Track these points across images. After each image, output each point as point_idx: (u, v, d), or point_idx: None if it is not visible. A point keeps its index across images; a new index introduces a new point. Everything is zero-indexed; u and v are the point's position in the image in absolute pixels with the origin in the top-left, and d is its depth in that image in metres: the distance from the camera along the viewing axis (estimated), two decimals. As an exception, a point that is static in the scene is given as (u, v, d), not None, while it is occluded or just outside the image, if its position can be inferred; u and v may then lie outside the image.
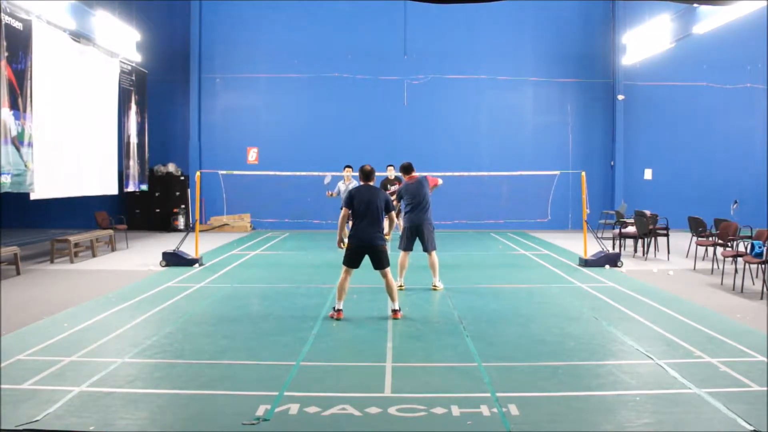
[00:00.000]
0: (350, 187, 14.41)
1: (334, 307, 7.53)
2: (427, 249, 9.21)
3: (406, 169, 9.28)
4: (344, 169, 13.90)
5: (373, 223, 7.34)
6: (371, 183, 7.65)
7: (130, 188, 16.49)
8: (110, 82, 15.08)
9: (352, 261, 7.42)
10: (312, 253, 13.77)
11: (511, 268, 11.81)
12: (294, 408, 4.63)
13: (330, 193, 14.24)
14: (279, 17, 19.29)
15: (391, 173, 14.54)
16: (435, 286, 9.36)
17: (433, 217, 9.40)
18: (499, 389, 5.01)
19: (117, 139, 15.47)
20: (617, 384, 5.20)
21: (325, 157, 18.43)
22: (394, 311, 7.52)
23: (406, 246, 9.17)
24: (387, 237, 7.56)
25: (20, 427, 4.27)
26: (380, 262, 7.44)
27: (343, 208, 7.56)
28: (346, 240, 7.69)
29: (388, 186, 14.34)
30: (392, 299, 7.54)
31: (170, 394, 4.96)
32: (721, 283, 9.89)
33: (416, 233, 9.12)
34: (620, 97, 19.24)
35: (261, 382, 5.25)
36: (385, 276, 7.49)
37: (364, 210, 7.32)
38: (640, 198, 18.89)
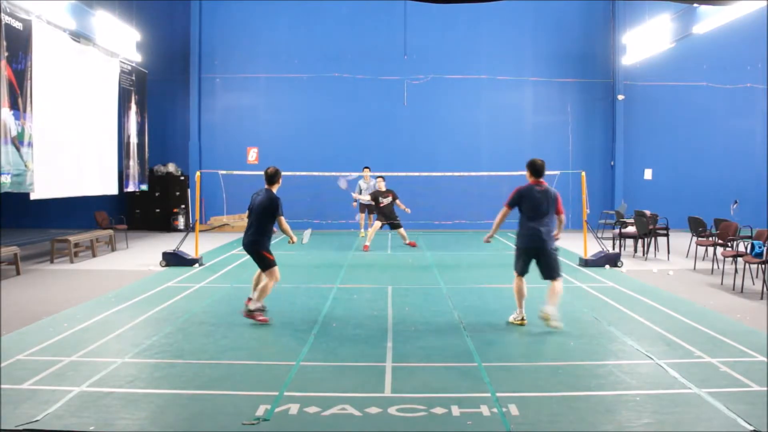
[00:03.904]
0: (371, 185, 14.74)
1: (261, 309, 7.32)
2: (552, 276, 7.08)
3: (539, 170, 7.12)
4: (363, 170, 15.46)
5: (250, 226, 7.40)
6: (267, 186, 7.49)
7: (130, 188, 16.48)
8: (110, 82, 15.08)
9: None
10: (311, 252, 13.75)
11: (512, 268, 11.78)
12: (294, 408, 4.63)
13: (355, 196, 15.48)
14: (279, 17, 19.29)
15: (381, 185, 14.15)
16: (549, 317, 6.82)
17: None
18: (499, 389, 5.01)
19: (117, 139, 15.46)
20: (617, 384, 5.20)
21: (325, 157, 18.47)
22: (250, 311, 7.26)
23: (523, 269, 7.17)
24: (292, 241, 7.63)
25: (20, 427, 4.27)
26: (258, 264, 7.45)
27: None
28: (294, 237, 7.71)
29: (380, 198, 13.96)
30: (256, 297, 7.35)
31: (170, 394, 4.97)
32: (721, 283, 9.89)
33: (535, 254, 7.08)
34: (620, 97, 19.23)
35: (261, 382, 5.25)
36: (258, 277, 7.53)
37: (250, 214, 7.45)
38: (640, 198, 18.88)
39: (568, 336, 6.71)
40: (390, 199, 14.00)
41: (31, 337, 6.58)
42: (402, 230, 14.24)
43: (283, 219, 7.42)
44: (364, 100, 19.25)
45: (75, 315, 7.60)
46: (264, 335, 6.84)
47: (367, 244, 14.04)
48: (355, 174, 15.67)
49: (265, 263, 7.38)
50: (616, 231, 13.84)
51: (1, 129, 9.86)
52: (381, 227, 14.23)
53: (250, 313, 7.27)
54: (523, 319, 7.18)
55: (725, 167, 19.48)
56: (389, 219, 14.12)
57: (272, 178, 7.49)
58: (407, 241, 14.33)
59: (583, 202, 12.38)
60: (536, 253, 7.04)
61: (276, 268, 7.40)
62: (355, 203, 15.93)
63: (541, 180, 7.10)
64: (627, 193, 19.34)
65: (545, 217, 6.98)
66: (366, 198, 14.72)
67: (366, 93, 19.22)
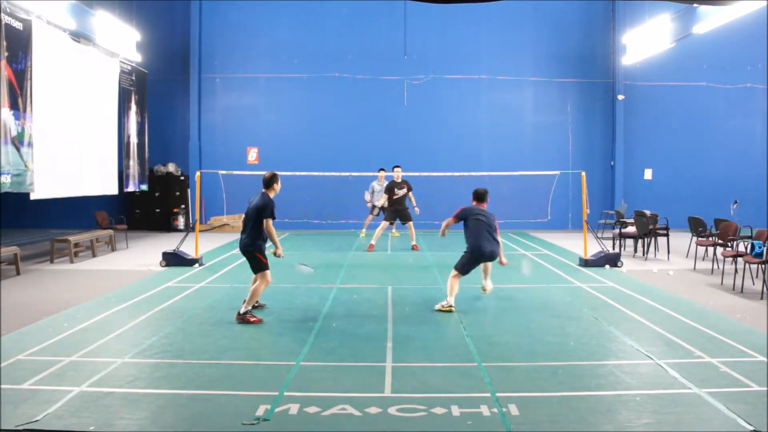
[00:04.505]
0: (384, 186, 14.70)
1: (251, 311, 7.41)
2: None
3: (481, 196, 8.29)
4: (378, 171, 15.37)
5: (245, 229, 7.46)
6: (264, 190, 7.51)
7: (130, 188, 16.49)
8: (110, 82, 15.08)
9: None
10: (311, 252, 13.76)
11: (511, 268, 11.77)
12: (294, 408, 4.63)
13: (367, 198, 15.55)
14: (279, 17, 19.29)
15: (398, 175, 13.95)
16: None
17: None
18: (499, 389, 5.01)
19: (117, 139, 15.46)
20: (617, 384, 5.20)
21: (325, 157, 18.47)
22: (240, 314, 7.31)
23: (466, 270, 8.18)
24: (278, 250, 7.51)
25: (20, 427, 4.27)
26: (250, 266, 7.53)
27: None
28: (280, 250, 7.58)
29: (395, 190, 13.93)
30: (247, 301, 7.37)
31: (170, 394, 4.97)
32: (721, 283, 9.89)
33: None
34: (620, 97, 19.23)
35: (261, 382, 5.25)
36: (254, 280, 7.55)
37: (246, 216, 7.51)
38: (640, 198, 18.89)
39: (568, 336, 6.72)
40: (405, 190, 13.94)
41: (31, 337, 6.58)
42: (411, 224, 13.97)
43: (269, 222, 7.31)
44: (364, 100, 19.25)
45: (75, 315, 7.60)
46: (264, 335, 6.84)
47: (373, 243, 14.03)
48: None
49: (258, 266, 7.43)
50: (616, 231, 13.84)
51: (1, 129, 9.87)
52: (387, 227, 14.16)
53: (241, 317, 7.28)
54: (451, 307, 7.91)
55: (725, 167, 19.48)
56: (400, 211, 13.91)
57: (268, 182, 7.55)
58: (414, 242, 14.14)
59: (583, 202, 12.37)
60: (485, 261, 8.23)
61: (268, 272, 7.45)
62: (369, 203, 15.76)
63: (482, 204, 8.22)
64: (627, 193, 19.34)
65: (490, 231, 8.00)
66: (380, 202, 14.42)
67: (366, 93, 19.22)
